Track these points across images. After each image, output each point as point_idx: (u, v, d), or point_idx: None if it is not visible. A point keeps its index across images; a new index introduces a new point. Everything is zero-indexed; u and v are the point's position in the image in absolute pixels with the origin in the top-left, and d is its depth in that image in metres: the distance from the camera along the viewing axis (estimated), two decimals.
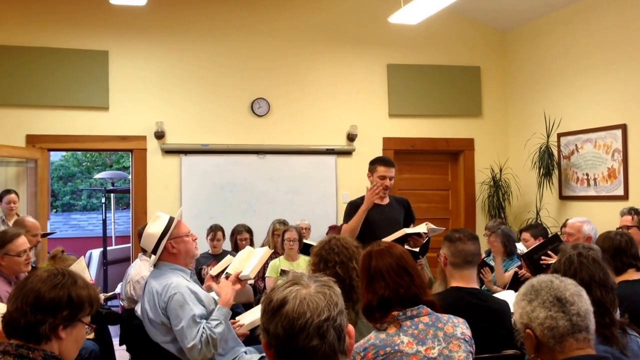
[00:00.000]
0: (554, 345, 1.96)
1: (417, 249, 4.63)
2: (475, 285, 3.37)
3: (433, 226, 4.75)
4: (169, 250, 3.55)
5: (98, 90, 7.59)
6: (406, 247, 4.54)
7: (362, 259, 2.84)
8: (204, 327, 3.33)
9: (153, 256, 3.60)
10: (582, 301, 2.01)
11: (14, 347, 2.02)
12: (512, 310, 3.12)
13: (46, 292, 2.05)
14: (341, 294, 1.68)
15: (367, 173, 5.21)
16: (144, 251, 5.20)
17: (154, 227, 3.56)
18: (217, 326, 3.37)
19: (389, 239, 4.39)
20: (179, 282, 3.46)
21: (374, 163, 5.19)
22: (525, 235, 5.85)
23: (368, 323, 2.74)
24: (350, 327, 1.68)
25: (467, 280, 3.29)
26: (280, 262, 5.96)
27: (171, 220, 3.58)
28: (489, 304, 3.31)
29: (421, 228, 4.70)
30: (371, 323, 2.63)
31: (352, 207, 5.12)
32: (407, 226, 5.10)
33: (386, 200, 5.17)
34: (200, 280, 5.53)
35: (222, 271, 4.04)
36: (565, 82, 7.86)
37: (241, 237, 6.83)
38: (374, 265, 2.70)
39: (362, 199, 5.17)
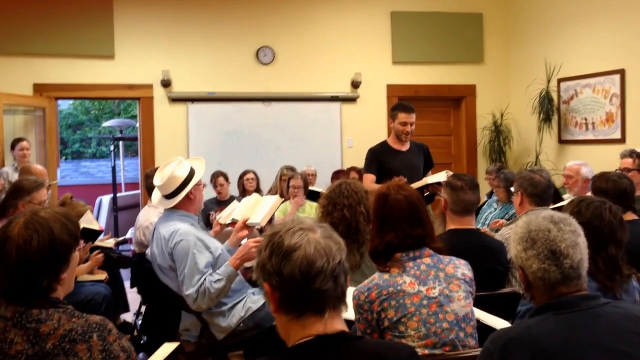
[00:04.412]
0: (544, 292, 1.99)
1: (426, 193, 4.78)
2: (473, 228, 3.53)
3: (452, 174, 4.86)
4: (188, 196, 3.57)
5: (103, 38, 7.62)
6: None
7: (376, 199, 2.76)
8: (204, 278, 3.35)
9: (164, 199, 3.60)
10: (577, 251, 1.98)
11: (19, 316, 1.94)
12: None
13: (33, 261, 1.94)
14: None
15: (388, 120, 5.30)
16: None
17: (180, 171, 3.53)
18: (217, 282, 3.37)
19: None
20: (186, 229, 3.48)
21: (394, 109, 5.27)
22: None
23: (372, 265, 2.79)
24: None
25: (465, 225, 3.45)
26: (287, 207, 6.05)
27: (193, 169, 3.60)
28: (486, 242, 3.47)
29: (441, 176, 4.70)
30: (377, 265, 2.68)
31: (373, 155, 5.25)
32: (426, 172, 5.24)
33: (407, 146, 5.29)
34: (208, 225, 5.66)
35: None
36: (566, 29, 7.87)
37: (247, 177, 6.98)
38: (388, 212, 2.67)
39: (381, 145, 5.30)
